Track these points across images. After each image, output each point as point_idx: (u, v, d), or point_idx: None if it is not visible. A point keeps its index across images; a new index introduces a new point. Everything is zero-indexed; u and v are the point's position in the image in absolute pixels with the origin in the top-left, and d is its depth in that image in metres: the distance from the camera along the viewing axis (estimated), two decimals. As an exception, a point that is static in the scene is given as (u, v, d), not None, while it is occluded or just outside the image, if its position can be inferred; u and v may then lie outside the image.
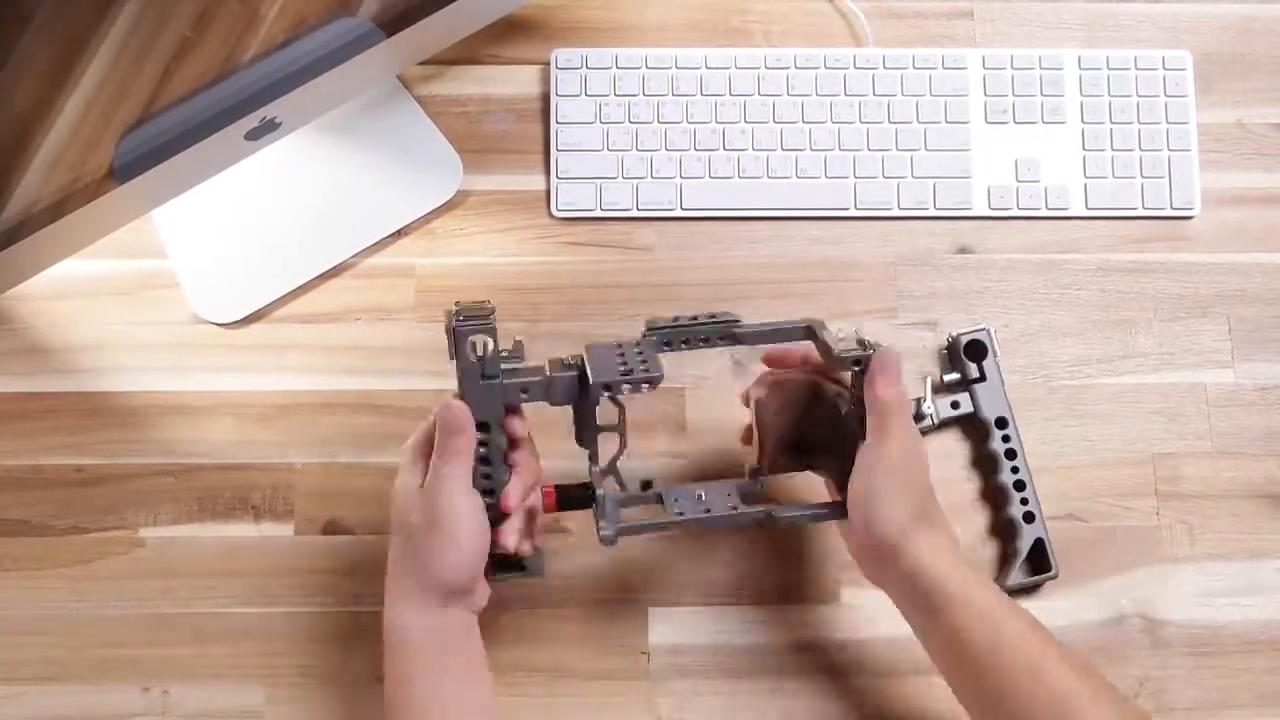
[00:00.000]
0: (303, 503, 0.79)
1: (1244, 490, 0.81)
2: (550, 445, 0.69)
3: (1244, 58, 0.87)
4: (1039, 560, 0.77)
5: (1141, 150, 0.85)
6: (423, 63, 0.83)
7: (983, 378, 0.79)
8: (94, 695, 0.75)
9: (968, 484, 0.80)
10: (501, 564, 0.68)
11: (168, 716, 0.75)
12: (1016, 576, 0.77)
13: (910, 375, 0.82)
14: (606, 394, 0.64)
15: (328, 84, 0.69)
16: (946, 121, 0.85)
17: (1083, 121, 0.85)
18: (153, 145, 0.64)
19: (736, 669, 0.77)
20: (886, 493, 0.64)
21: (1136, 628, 0.78)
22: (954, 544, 0.66)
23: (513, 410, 0.67)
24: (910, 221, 0.84)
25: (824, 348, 0.67)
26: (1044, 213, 0.84)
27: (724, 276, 0.83)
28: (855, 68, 0.85)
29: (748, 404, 0.72)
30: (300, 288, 0.81)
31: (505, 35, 0.86)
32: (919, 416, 0.79)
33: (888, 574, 0.66)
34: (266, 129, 0.71)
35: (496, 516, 0.65)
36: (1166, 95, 0.85)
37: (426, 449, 0.65)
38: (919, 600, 0.64)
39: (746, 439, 0.73)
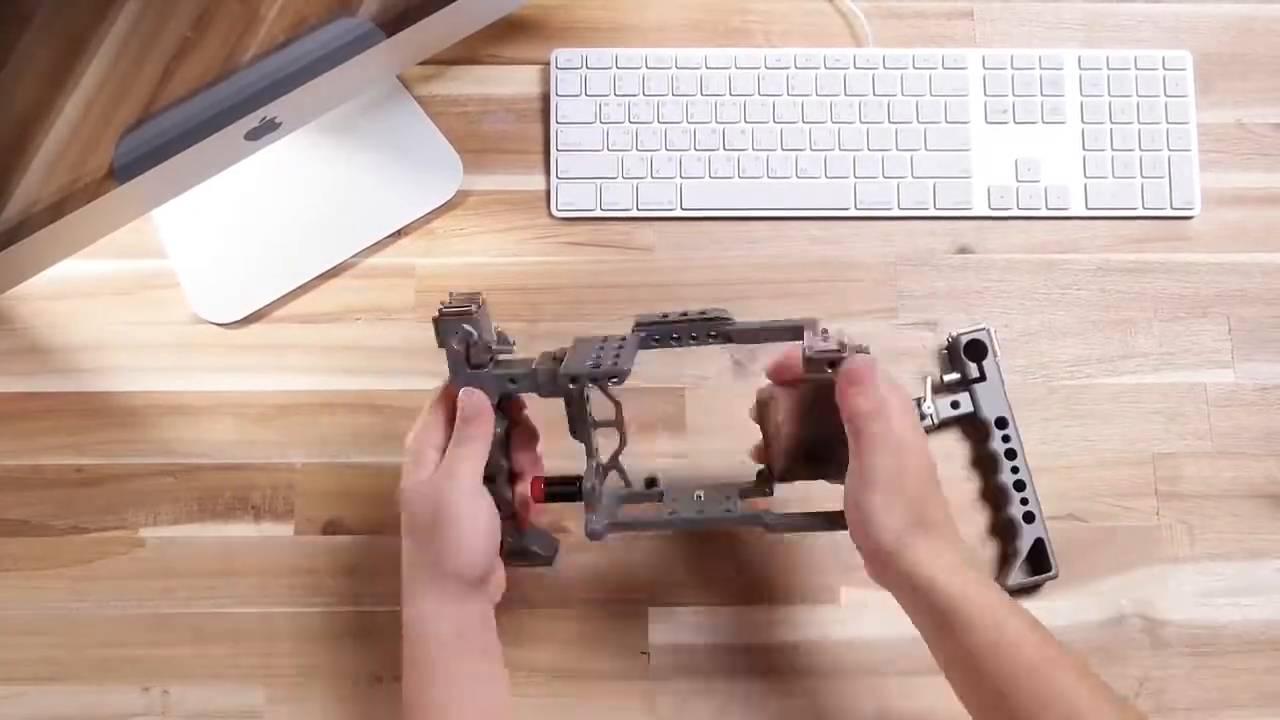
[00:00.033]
0: (303, 503, 0.79)
1: (1244, 490, 0.81)
2: (554, 444, 0.69)
3: (1244, 58, 0.88)
4: (1039, 560, 0.77)
5: (1141, 150, 0.85)
6: (423, 63, 0.83)
7: (983, 378, 0.79)
8: (94, 695, 0.76)
9: (968, 484, 0.80)
10: (514, 552, 0.68)
11: (168, 716, 0.75)
12: (1016, 576, 0.77)
13: (910, 375, 0.82)
14: (573, 386, 0.64)
15: (328, 84, 0.69)
16: (946, 121, 0.85)
17: (1083, 121, 0.85)
18: (153, 145, 0.64)
19: (736, 669, 0.77)
20: (875, 506, 0.62)
21: (1136, 628, 0.78)
22: (954, 544, 0.65)
23: (509, 400, 0.67)
24: (910, 221, 0.84)
25: (804, 350, 0.64)
26: (1044, 213, 0.84)
27: (724, 276, 0.83)
28: (855, 68, 0.85)
29: (755, 418, 0.70)
30: (300, 288, 0.81)
31: (505, 35, 0.86)
32: (919, 416, 0.79)
33: (889, 578, 0.65)
34: (266, 129, 0.71)
35: (500, 503, 0.65)
36: (1166, 95, 0.85)
37: (429, 440, 0.65)
38: (920, 604, 0.64)
39: (758, 456, 0.71)
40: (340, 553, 0.78)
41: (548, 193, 0.84)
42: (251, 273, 0.81)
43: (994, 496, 0.79)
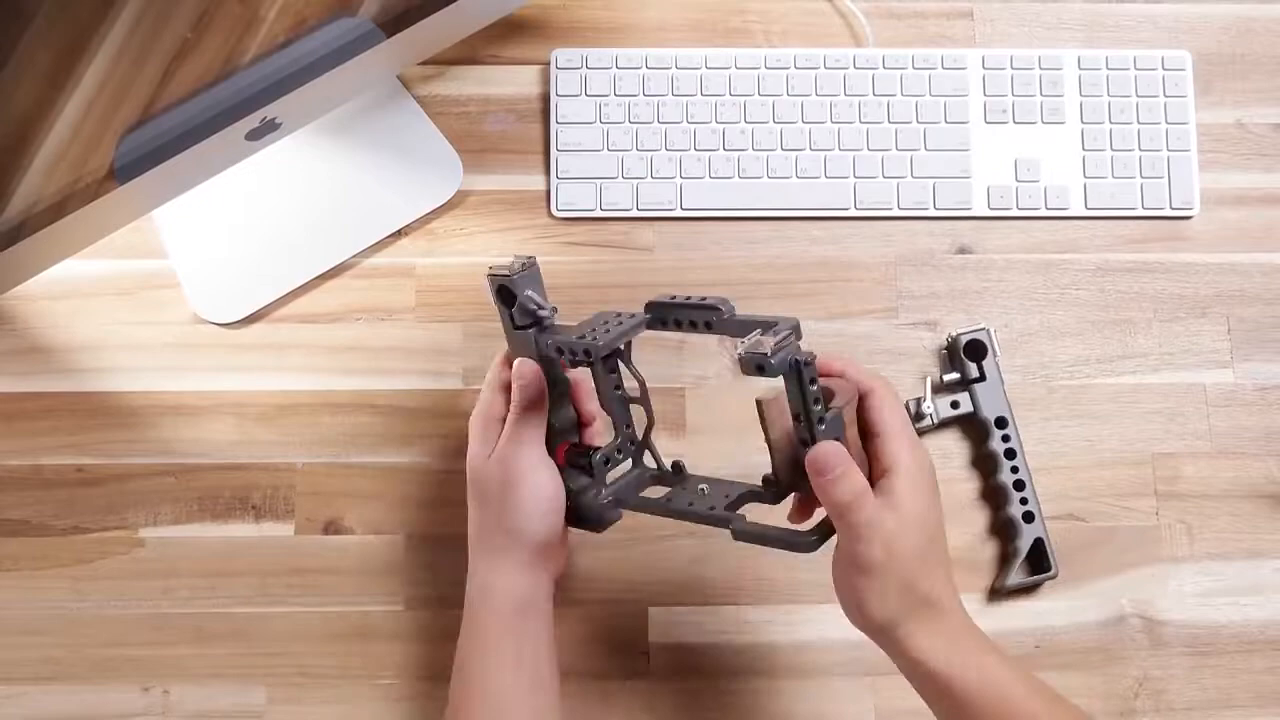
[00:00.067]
0: (303, 503, 0.79)
1: (1243, 490, 0.81)
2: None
3: (1244, 58, 0.88)
4: (1039, 560, 0.77)
5: (1141, 150, 0.85)
6: (423, 63, 0.83)
7: (982, 378, 0.79)
8: (94, 695, 0.76)
9: (968, 484, 0.80)
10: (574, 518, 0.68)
11: (168, 716, 0.75)
12: (1016, 576, 0.77)
13: (910, 375, 0.82)
14: (559, 356, 0.65)
15: (328, 84, 0.69)
16: (946, 121, 0.85)
17: (1082, 121, 0.85)
18: (153, 146, 0.64)
19: (736, 669, 0.77)
20: (862, 591, 0.59)
21: (1136, 628, 0.78)
22: (952, 617, 0.61)
23: (550, 364, 0.68)
24: (910, 221, 0.84)
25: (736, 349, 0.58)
26: (1043, 213, 0.84)
27: (724, 276, 0.83)
28: (855, 68, 0.85)
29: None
30: (300, 288, 0.81)
31: (505, 35, 0.86)
32: (919, 416, 0.79)
33: (888, 652, 0.62)
34: (267, 129, 0.71)
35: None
36: (1166, 95, 0.85)
37: (491, 414, 0.67)
38: (923, 685, 0.61)
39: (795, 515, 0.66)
40: (340, 553, 0.78)
41: (548, 193, 0.84)
42: (252, 273, 0.81)
43: (994, 496, 0.79)
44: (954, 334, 0.81)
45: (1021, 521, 0.78)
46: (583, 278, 0.83)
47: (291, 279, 0.81)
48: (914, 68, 0.85)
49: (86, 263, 0.80)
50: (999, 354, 0.80)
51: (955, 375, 0.80)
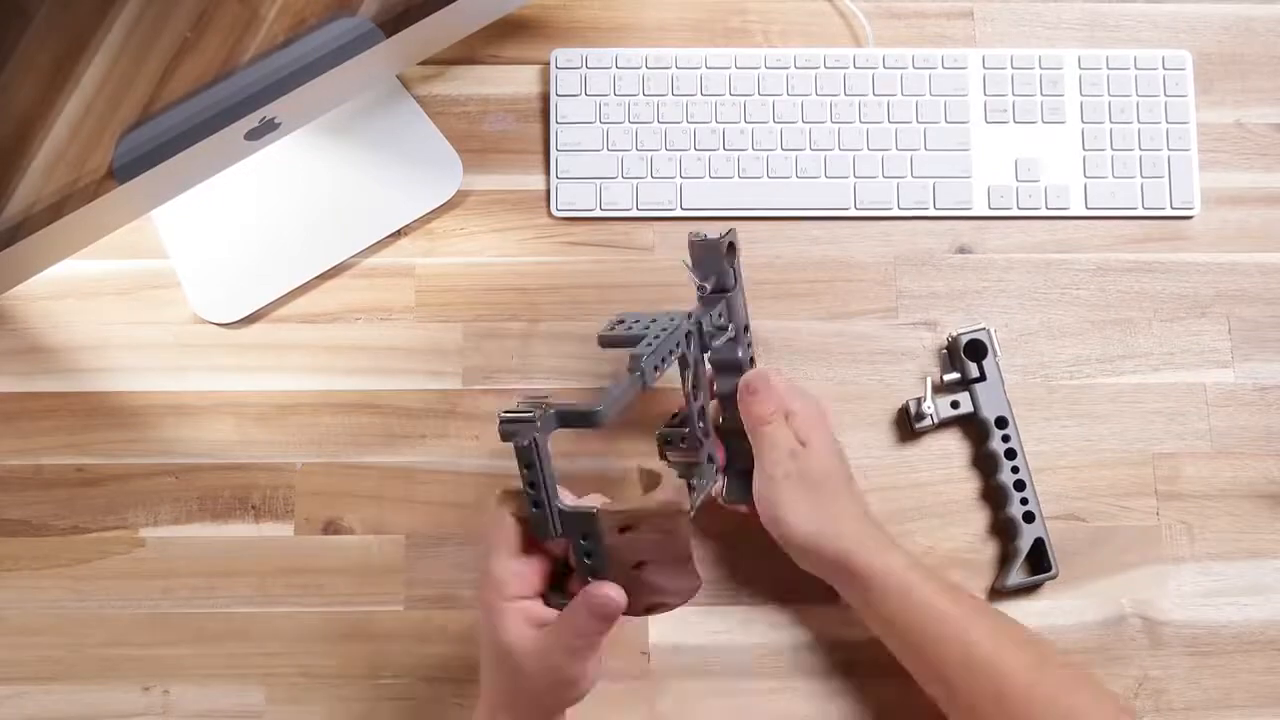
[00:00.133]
0: (303, 503, 0.79)
1: (1243, 490, 0.81)
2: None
3: (1244, 58, 0.87)
4: (1039, 560, 0.77)
5: (1141, 150, 0.85)
6: (423, 63, 0.83)
7: (983, 377, 0.79)
8: (94, 695, 0.76)
9: (968, 484, 0.80)
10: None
11: (168, 716, 0.75)
12: (1016, 576, 0.77)
13: (910, 375, 0.82)
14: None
15: (327, 84, 0.69)
16: (946, 121, 0.85)
17: (1082, 121, 0.85)
18: (152, 145, 0.64)
19: (736, 669, 0.77)
20: (780, 504, 0.70)
21: (1136, 628, 0.78)
22: (870, 530, 0.71)
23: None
24: (910, 221, 0.84)
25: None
26: (1044, 212, 0.84)
27: (724, 276, 0.83)
28: (855, 68, 0.85)
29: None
30: (300, 288, 0.81)
31: (505, 35, 0.86)
32: (919, 416, 0.79)
33: (808, 564, 0.72)
34: (266, 129, 0.71)
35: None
36: (1166, 95, 0.85)
37: (519, 589, 0.59)
38: (841, 577, 0.70)
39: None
40: (340, 553, 0.78)
41: (548, 193, 0.84)
42: (251, 273, 0.81)
43: (994, 496, 0.79)
44: (954, 334, 0.81)
45: (1022, 521, 0.77)
46: (583, 278, 0.83)
47: (291, 279, 0.81)
48: (914, 68, 0.85)
49: (86, 263, 0.80)
50: (999, 354, 0.80)
51: (955, 375, 0.80)
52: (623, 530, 0.57)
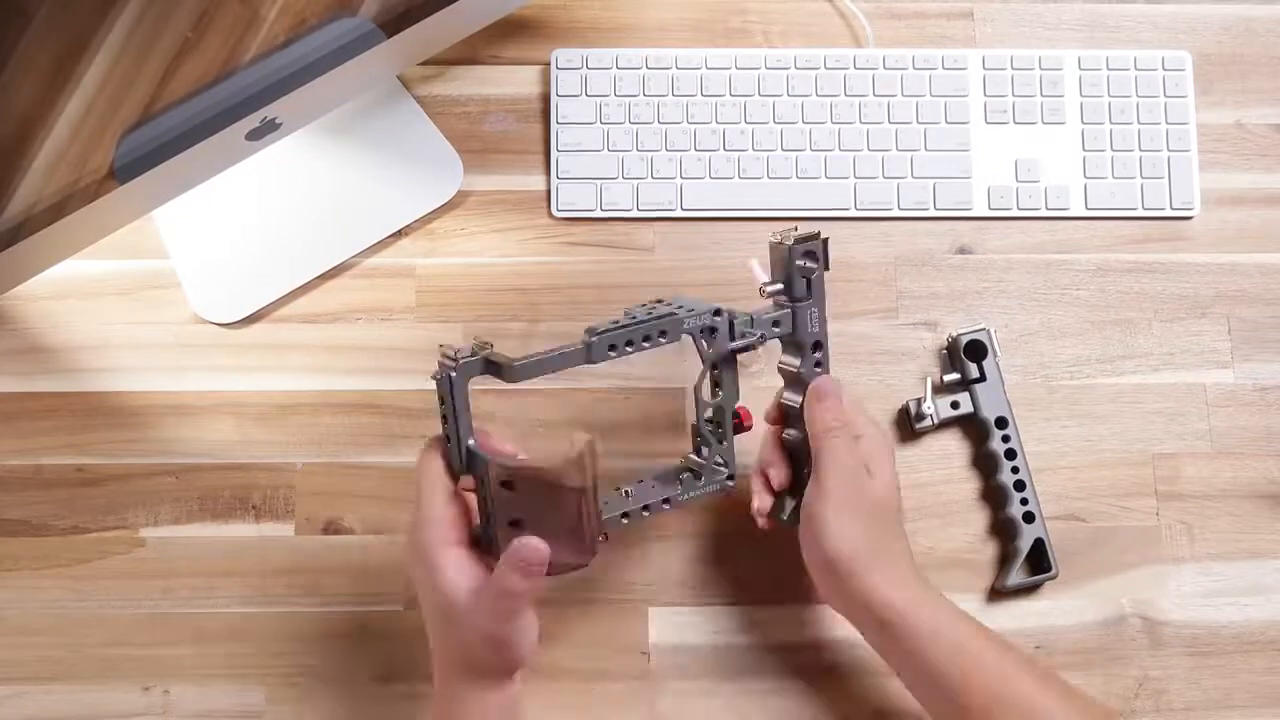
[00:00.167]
0: (303, 503, 0.79)
1: (1244, 490, 0.81)
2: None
3: (1244, 58, 0.88)
4: (1039, 560, 0.77)
5: (1141, 150, 0.85)
6: (423, 63, 0.83)
7: (983, 378, 0.79)
8: (94, 695, 0.76)
9: (968, 484, 0.80)
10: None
11: (168, 716, 0.75)
12: (1016, 576, 0.77)
13: (910, 375, 0.82)
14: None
15: (328, 84, 0.69)
16: (946, 122, 0.85)
17: (1082, 122, 0.85)
18: (153, 145, 0.64)
19: (736, 669, 0.77)
20: (829, 520, 0.65)
21: (1136, 628, 0.78)
22: (913, 574, 0.66)
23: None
24: (910, 222, 0.84)
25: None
26: (1044, 213, 0.84)
27: (724, 277, 0.83)
28: (855, 68, 0.85)
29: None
30: (300, 288, 0.81)
31: (505, 35, 0.86)
32: (919, 416, 0.79)
33: (842, 594, 0.66)
34: (267, 129, 0.71)
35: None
36: (1166, 96, 0.85)
37: (449, 539, 0.61)
38: (869, 620, 0.65)
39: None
40: (340, 553, 0.78)
41: (548, 193, 0.84)
42: (252, 273, 0.81)
43: (994, 496, 0.79)
44: (954, 334, 0.81)
45: (1022, 522, 0.78)
46: (583, 278, 0.83)
47: (291, 279, 0.81)
48: (914, 68, 0.85)
49: (86, 263, 0.80)
50: (999, 354, 0.80)
51: (955, 375, 0.80)
52: (505, 485, 0.60)
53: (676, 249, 0.83)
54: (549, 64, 0.85)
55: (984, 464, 0.80)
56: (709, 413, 0.70)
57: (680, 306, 0.67)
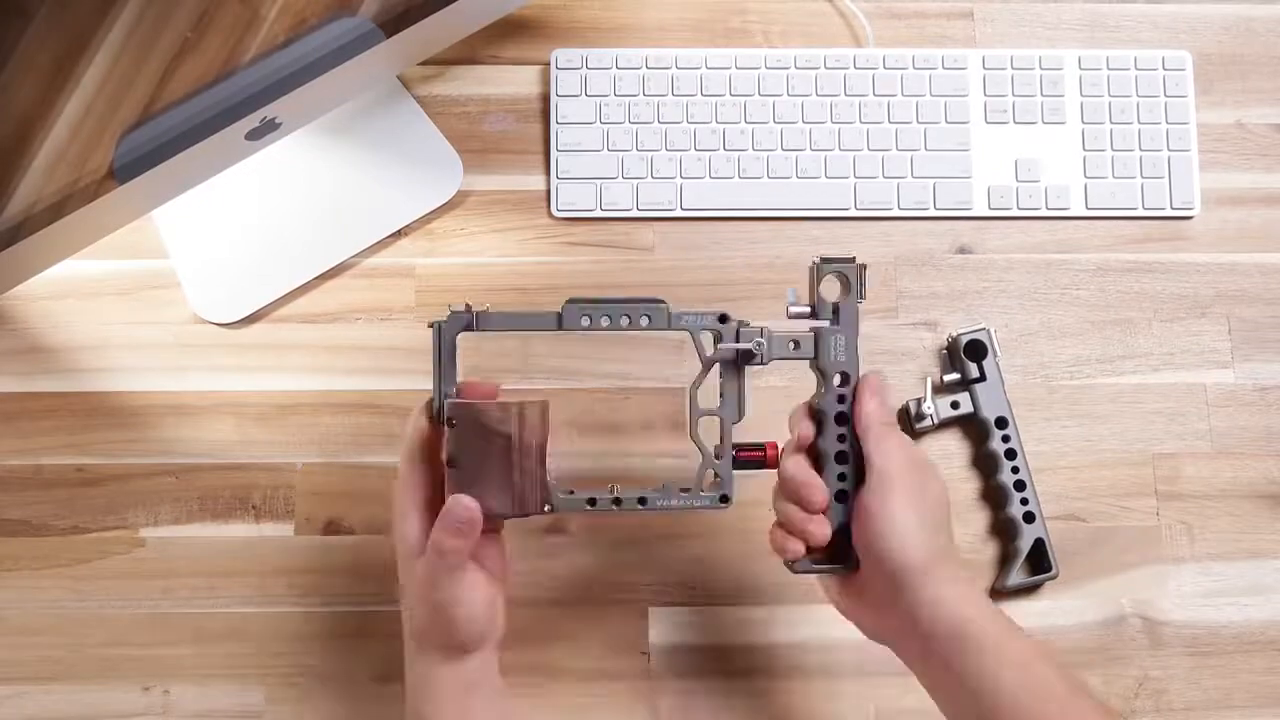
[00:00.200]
0: (303, 503, 0.79)
1: (1244, 490, 0.81)
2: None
3: (1244, 58, 0.88)
4: (1039, 560, 0.77)
5: (1141, 150, 0.85)
6: (423, 63, 0.83)
7: (983, 378, 0.79)
8: (94, 695, 0.76)
9: (968, 484, 0.80)
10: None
11: (168, 716, 0.75)
12: (1016, 576, 0.77)
13: (910, 375, 0.82)
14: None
15: (328, 84, 0.69)
16: (946, 121, 0.85)
17: (1083, 122, 0.85)
18: (153, 145, 0.64)
19: (736, 669, 0.77)
20: (897, 515, 0.59)
21: (1136, 628, 0.78)
22: (969, 581, 0.61)
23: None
24: (910, 221, 0.84)
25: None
26: (1044, 213, 0.84)
27: (724, 277, 0.83)
28: (855, 68, 0.85)
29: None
30: (300, 288, 0.81)
31: (505, 35, 0.86)
32: (919, 416, 0.79)
33: (904, 602, 0.60)
34: (267, 129, 0.71)
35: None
36: (1166, 95, 0.85)
37: (411, 499, 0.62)
38: (942, 636, 0.59)
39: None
40: (340, 553, 0.78)
41: (548, 193, 0.84)
42: (252, 273, 0.81)
43: (994, 496, 0.79)
44: (954, 334, 0.81)
45: (1022, 522, 0.77)
46: (583, 278, 0.83)
47: (291, 279, 0.81)
48: (914, 68, 0.85)
49: (86, 263, 0.80)
50: (999, 354, 0.80)
51: (955, 375, 0.80)
52: (450, 423, 0.61)
53: (676, 249, 0.83)
54: (549, 64, 0.85)
55: (984, 464, 0.80)
56: (703, 421, 0.65)
57: (697, 314, 0.65)
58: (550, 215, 0.83)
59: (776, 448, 0.66)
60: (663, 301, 0.64)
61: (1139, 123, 0.85)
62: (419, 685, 0.63)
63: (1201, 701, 0.77)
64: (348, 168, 0.83)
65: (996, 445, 0.79)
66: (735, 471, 0.65)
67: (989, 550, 0.79)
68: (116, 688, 0.76)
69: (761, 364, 0.64)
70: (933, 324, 0.83)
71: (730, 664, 0.77)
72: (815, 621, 0.77)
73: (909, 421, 0.80)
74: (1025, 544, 0.77)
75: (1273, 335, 0.83)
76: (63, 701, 0.75)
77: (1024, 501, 0.78)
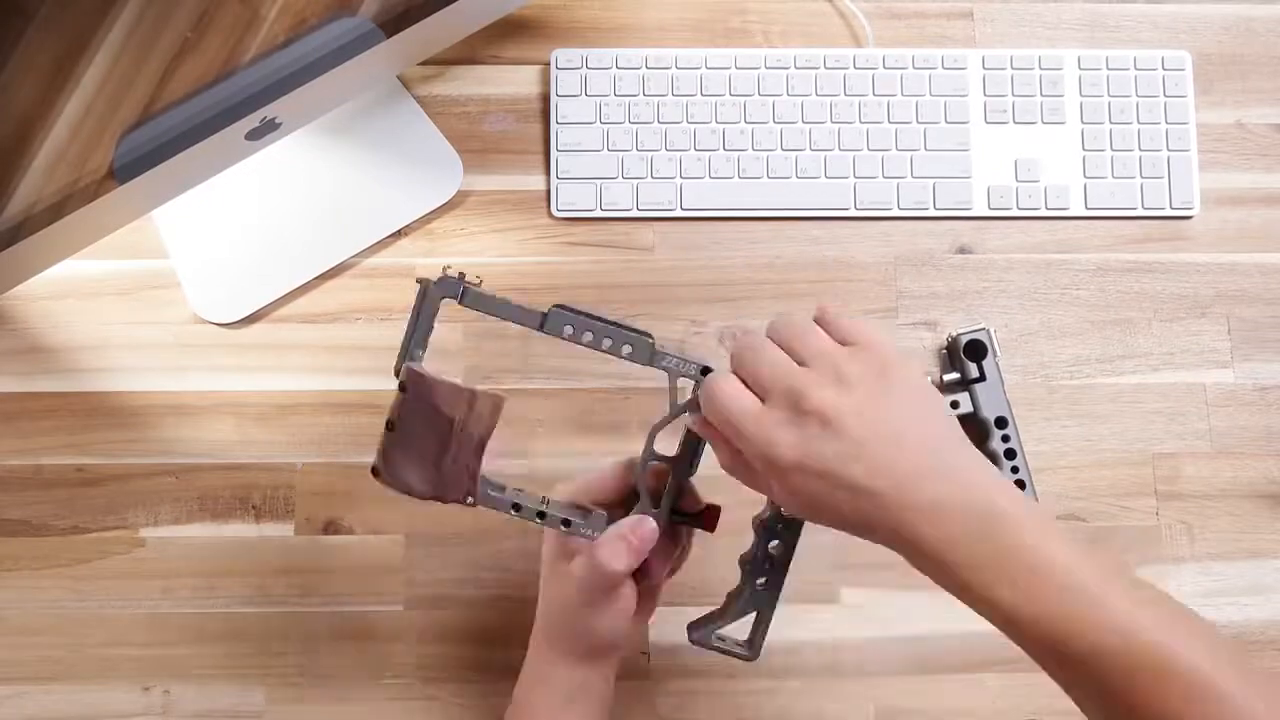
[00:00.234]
0: (303, 503, 0.79)
1: (1244, 490, 0.81)
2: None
3: (1244, 58, 0.88)
4: (1039, 560, 0.77)
5: (1141, 150, 0.85)
6: (423, 63, 0.83)
7: (982, 378, 0.79)
8: (94, 695, 0.76)
9: (967, 484, 0.80)
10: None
11: (168, 716, 0.75)
12: (1016, 576, 0.77)
13: (910, 375, 0.82)
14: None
15: (328, 84, 0.69)
16: (946, 121, 0.85)
17: (1082, 122, 0.85)
18: (153, 145, 0.64)
19: (736, 669, 0.77)
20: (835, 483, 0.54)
21: (1136, 627, 0.78)
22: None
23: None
24: (910, 221, 0.84)
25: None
26: (1044, 213, 0.84)
27: (724, 277, 0.83)
28: (855, 68, 0.85)
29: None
30: (300, 288, 0.81)
31: (505, 35, 0.86)
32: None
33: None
34: (267, 129, 0.71)
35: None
36: (1166, 95, 0.85)
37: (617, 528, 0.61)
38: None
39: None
40: (340, 553, 0.78)
41: (548, 193, 0.84)
42: (252, 273, 0.81)
43: (994, 496, 0.79)
44: (954, 334, 0.81)
45: (1021, 521, 0.77)
46: (583, 278, 0.83)
47: (291, 279, 0.81)
48: (914, 68, 0.85)
49: (86, 263, 0.80)
50: (999, 354, 0.80)
51: (955, 375, 0.80)
52: (402, 387, 0.62)
53: (676, 249, 0.83)
54: (549, 64, 0.85)
55: (984, 464, 0.80)
56: (651, 466, 0.63)
57: (680, 359, 0.61)
58: (550, 215, 0.83)
59: (718, 514, 0.64)
60: (649, 336, 0.61)
61: (1139, 123, 0.85)
62: (533, 679, 0.64)
63: (1201, 701, 0.77)
64: (348, 168, 0.83)
65: (996, 445, 0.79)
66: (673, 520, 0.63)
67: (989, 550, 0.79)
68: (116, 688, 0.76)
69: None
70: (932, 324, 0.83)
71: (730, 664, 0.77)
72: (815, 622, 0.77)
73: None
74: (1025, 544, 0.77)
75: (1273, 335, 0.83)
76: (63, 701, 0.75)
77: (1024, 501, 0.78)
